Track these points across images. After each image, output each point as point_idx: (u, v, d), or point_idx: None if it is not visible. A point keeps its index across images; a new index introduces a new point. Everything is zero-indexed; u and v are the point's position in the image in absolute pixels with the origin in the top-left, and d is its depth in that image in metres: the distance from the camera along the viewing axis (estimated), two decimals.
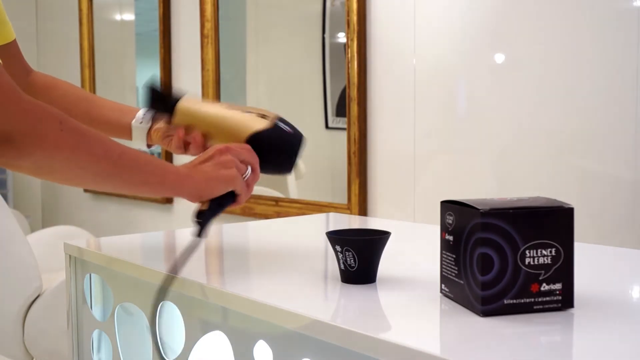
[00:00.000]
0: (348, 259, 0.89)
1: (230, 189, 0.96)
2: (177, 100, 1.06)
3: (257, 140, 1.00)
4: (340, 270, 0.91)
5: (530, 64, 1.80)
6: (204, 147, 1.04)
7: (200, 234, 0.95)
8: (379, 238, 0.90)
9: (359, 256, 0.89)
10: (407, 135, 2.08)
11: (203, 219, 0.95)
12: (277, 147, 1.01)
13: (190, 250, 0.92)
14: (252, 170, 0.99)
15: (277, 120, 1.02)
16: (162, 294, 0.91)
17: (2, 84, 0.77)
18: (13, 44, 1.16)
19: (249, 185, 0.98)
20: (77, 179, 0.89)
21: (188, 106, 1.05)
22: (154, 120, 1.14)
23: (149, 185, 0.92)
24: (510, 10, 1.83)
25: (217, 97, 2.81)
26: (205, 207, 0.95)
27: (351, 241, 0.88)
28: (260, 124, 1.00)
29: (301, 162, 2.57)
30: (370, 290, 0.91)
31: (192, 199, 0.95)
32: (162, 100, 1.06)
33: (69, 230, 2.82)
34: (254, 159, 0.99)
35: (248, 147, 1.00)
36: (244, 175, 0.97)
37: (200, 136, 1.04)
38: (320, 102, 2.43)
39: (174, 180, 0.93)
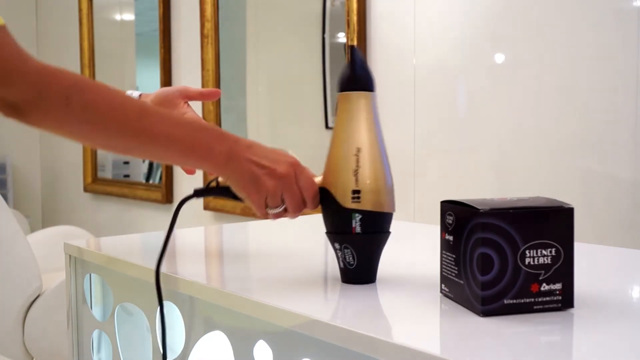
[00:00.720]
0: (347, 256, 0.89)
1: (242, 195, 0.88)
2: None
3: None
4: (340, 269, 0.91)
5: (530, 64, 1.80)
6: None
7: (196, 194, 0.92)
8: (378, 235, 0.89)
9: (358, 254, 0.88)
10: (406, 135, 2.08)
11: (209, 189, 0.93)
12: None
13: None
14: (288, 210, 0.89)
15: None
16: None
17: (6, 56, 0.76)
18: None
19: (290, 209, 0.89)
20: (93, 145, 0.86)
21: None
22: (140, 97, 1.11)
23: (174, 161, 0.88)
24: (510, 10, 1.83)
25: None
26: (214, 184, 0.92)
27: (350, 239, 0.88)
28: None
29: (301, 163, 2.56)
30: (370, 290, 0.91)
31: (224, 177, 0.88)
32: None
33: (69, 230, 2.82)
34: (313, 187, 0.88)
35: (316, 189, 0.88)
36: (276, 206, 0.88)
37: None
38: (320, 102, 2.42)
39: (203, 164, 0.86)
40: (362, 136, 0.88)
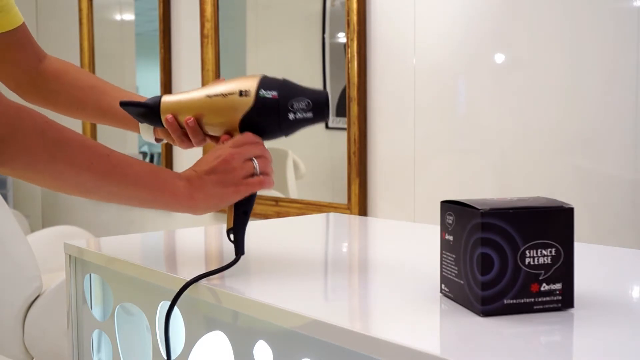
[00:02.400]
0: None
1: (241, 199, 0.95)
2: (157, 102, 1.02)
3: (247, 124, 0.97)
4: None
5: (530, 64, 1.80)
6: (201, 131, 1.00)
7: (238, 251, 0.95)
8: None
9: None
10: (407, 135, 2.08)
11: (235, 234, 0.95)
12: (267, 119, 0.97)
13: (228, 266, 0.93)
14: (260, 157, 0.96)
15: (259, 91, 0.96)
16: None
17: None
18: (20, 30, 1.13)
19: (264, 173, 0.96)
20: (58, 188, 0.87)
21: (170, 100, 1.02)
22: None
23: (141, 201, 0.90)
24: (510, 10, 1.83)
25: None
26: (231, 224, 0.95)
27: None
28: (243, 106, 0.97)
29: (301, 163, 2.57)
30: (370, 291, 0.91)
31: (193, 213, 0.94)
32: (143, 110, 1.03)
33: (69, 230, 2.82)
34: (258, 147, 0.96)
35: (249, 137, 0.96)
36: (253, 173, 0.95)
37: (193, 120, 0.99)
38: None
39: (170, 201, 0.91)
40: None
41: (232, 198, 0.94)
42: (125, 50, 3.64)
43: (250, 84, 0.97)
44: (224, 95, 0.97)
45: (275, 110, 0.95)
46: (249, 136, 0.97)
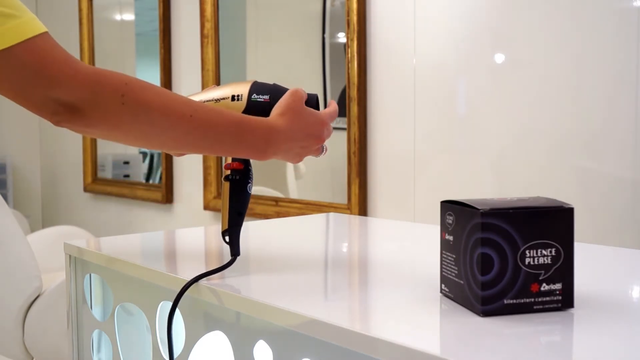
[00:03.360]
0: None
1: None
2: None
3: None
4: None
5: (530, 64, 1.80)
6: None
7: (233, 252, 0.96)
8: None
9: None
10: (407, 135, 2.08)
11: (230, 235, 0.96)
12: None
13: (223, 268, 0.93)
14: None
15: (251, 95, 0.98)
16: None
17: (56, 59, 0.79)
18: None
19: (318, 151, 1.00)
20: (147, 146, 0.90)
21: None
22: None
23: (228, 152, 0.92)
24: (510, 10, 1.83)
25: None
26: (226, 225, 0.96)
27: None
28: (236, 110, 0.97)
29: (301, 162, 2.57)
30: (370, 291, 0.91)
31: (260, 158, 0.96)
32: None
33: (69, 230, 2.82)
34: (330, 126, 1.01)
35: (335, 110, 1.01)
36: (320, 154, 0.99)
37: None
38: (320, 102, 2.42)
39: (245, 154, 0.93)
40: None
41: (296, 161, 0.97)
42: (125, 50, 3.64)
43: (242, 89, 0.99)
44: (217, 100, 0.98)
45: (268, 113, 0.96)
46: (335, 108, 1.02)
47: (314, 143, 0.95)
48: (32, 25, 0.79)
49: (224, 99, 0.98)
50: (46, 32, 0.80)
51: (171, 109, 0.85)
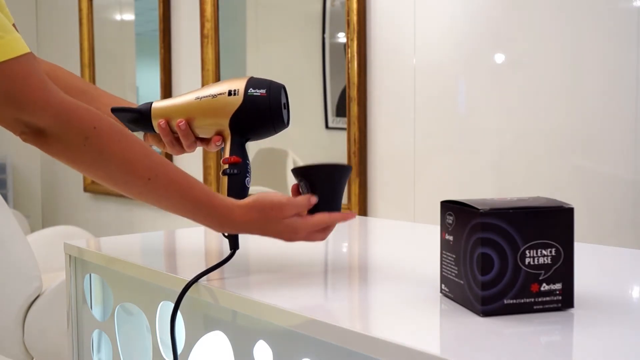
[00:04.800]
0: (306, 190, 0.94)
1: None
2: (148, 108, 1.04)
3: (237, 123, 0.99)
4: None
5: (530, 64, 1.80)
6: (192, 134, 1.02)
7: (232, 246, 0.96)
8: (333, 166, 0.94)
9: (318, 186, 0.93)
10: (407, 135, 2.08)
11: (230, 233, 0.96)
12: (257, 116, 0.99)
13: (223, 262, 0.94)
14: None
15: (247, 90, 0.98)
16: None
17: (30, 85, 0.80)
18: None
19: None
20: (101, 183, 0.90)
21: (161, 105, 1.04)
22: None
23: (180, 213, 0.92)
24: (510, 10, 1.83)
25: None
26: None
27: (306, 171, 0.94)
28: (233, 105, 0.98)
29: (301, 162, 2.57)
30: (370, 290, 0.91)
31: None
32: (135, 116, 1.04)
33: (69, 230, 2.82)
34: (326, 233, 0.96)
35: (313, 222, 0.94)
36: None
37: (185, 122, 1.01)
38: (320, 102, 2.42)
39: (208, 226, 0.93)
40: None
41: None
42: (125, 50, 3.64)
43: (238, 84, 0.99)
44: (214, 96, 0.99)
45: (266, 107, 0.96)
46: (313, 222, 0.94)
47: (286, 239, 0.93)
48: (13, 46, 0.80)
49: (221, 94, 0.99)
50: (27, 54, 0.81)
51: (131, 167, 0.86)
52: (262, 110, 0.97)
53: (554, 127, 1.75)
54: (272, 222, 0.91)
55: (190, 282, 0.90)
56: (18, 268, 2.07)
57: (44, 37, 4.20)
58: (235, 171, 0.97)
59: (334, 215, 0.94)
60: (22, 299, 2.06)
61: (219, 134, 1.00)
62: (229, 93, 0.98)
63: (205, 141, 1.04)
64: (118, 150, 0.85)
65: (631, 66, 1.60)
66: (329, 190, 0.95)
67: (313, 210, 0.94)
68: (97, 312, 1.20)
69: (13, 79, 0.79)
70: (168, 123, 1.02)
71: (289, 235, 0.93)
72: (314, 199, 0.94)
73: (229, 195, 0.96)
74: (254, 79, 1.00)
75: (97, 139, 0.83)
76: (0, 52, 0.79)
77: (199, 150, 1.13)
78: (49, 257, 2.50)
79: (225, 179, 0.97)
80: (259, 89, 0.99)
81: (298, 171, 0.96)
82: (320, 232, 0.94)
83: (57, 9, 4.07)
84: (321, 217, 0.93)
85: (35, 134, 0.82)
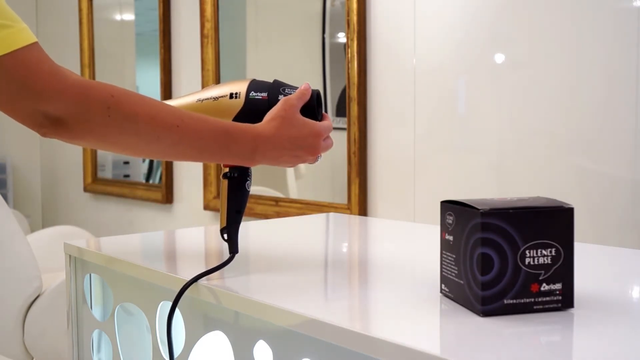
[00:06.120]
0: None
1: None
2: None
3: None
4: None
5: (529, 64, 1.80)
6: None
7: (232, 250, 0.96)
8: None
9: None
10: (407, 135, 2.08)
11: (228, 233, 0.96)
12: (258, 119, 0.97)
13: (222, 266, 0.93)
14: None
15: (249, 93, 0.98)
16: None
17: (44, 71, 0.80)
18: None
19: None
20: (134, 155, 0.91)
21: None
22: None
23: (215, 160, 0.92)
24: (510, 10, 1.83)
25: None
26: (224, 223, 0.96)
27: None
28: (234, 108, 0.98)
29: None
30: (370, 290, 0.91)
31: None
32: None
33: (69, 230, 2.82)
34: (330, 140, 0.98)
35: (327, 125, 0.98)
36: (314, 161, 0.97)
37: None
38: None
39: (230, 161, 0.93)
40: None
41: (288, 166, 0.96)
42: (125, 50, 3.64)
43: (240, 87, 0.99)
44: (215, 98, 0.99)
45: (267, 110, 0.96)
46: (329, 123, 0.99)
47: (307, 154, 0.94)
48: (22, 35, 0.80)
49: (222, 97, 0.98)
50: (36, 43, 0.81)
51: (158, 120, 0.86)
52: (263, 113, 0.97)
53: (554, 127, 1.75)
54: (294, 121, 0.92)
55: (187, 283, 0.90)
56: (18, 268, 2.07)
57: (44, 37, 4.20)
58: (236, 175, 0.97)
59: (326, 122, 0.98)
60: (22, 299, 2.06)
61: None
62: (231, 96, 0.98)
63: None
64: (140, 110, 0.85)
65: (631, 66, 1.60)
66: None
67: None
68: (97, 312, 1.20)
69: (29, 68, 0.79)
70: None
71: (313, 139, 0.93)
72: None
73: (228, 198, 0.96)
74: (255, 82, 0.99)
75: (118, 105, 0.83)
76: (13, 40, 0.78)
77: None
78: (49, 257, 2.50)
79: (225, 182, 0.97)
80: (261, 92, 0.98)
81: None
82: (328, 140, 0.97)
83: (57, 9, 4.07)
84: (325, 122, 0.97)
85: (55, 125, 0.81)
